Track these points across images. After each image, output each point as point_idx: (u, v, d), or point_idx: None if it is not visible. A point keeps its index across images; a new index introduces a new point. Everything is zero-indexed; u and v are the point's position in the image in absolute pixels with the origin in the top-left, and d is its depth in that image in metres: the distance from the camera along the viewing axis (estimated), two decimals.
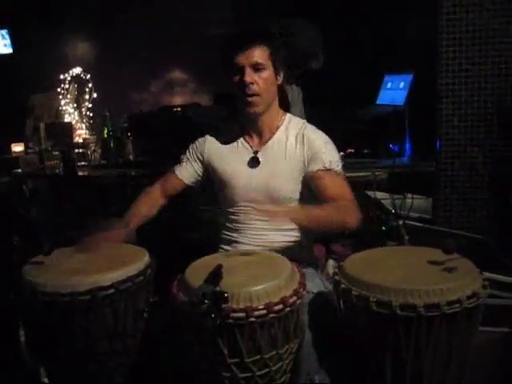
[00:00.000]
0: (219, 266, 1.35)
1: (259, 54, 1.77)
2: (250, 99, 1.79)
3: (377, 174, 3.02)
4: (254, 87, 1.77)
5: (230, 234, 1.93)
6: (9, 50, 5.71)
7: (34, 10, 5.32)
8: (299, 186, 1.87)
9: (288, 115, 1.94)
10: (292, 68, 2.89)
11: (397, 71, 4.04)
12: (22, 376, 1.89)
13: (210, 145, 1.97)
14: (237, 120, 1.95)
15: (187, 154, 2.02)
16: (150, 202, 2.00)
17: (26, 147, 4.21)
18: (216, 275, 1.31)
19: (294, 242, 1.87)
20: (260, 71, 1.78)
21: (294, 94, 2.99)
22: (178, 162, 2.03)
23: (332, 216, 1.71)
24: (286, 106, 2.02)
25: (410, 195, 2.76)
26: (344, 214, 1.71)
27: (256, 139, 1.91)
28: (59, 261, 1.70)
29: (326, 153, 1.83)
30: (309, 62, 2.90)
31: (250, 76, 1.76)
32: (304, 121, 1.95)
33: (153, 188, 2.03)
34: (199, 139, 2.01)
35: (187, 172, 2.00)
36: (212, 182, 2.00)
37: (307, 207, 1.78)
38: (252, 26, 1.84)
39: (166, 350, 1.56)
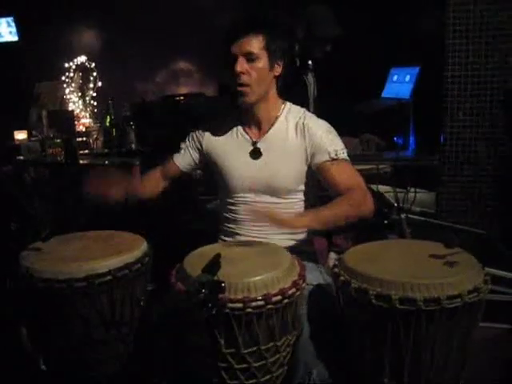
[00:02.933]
0: (217, 256, 1.34)
1: (253, 44, 1.74)
2: (239, 89, 1.76)
3: (380, 167, 3.00)
4: (244, 77, 1.74)
5: (229, 224, 1.92)
6: (14, 38, 5.72)
7: None
8: (302, 177, 1.85)
9: (288, 104, 1.91)
10: (310, 53, 2.90)
11: (403, 64, 4.01)
12: (21, 362, 1.89)
13: (209, 134, 1.96)
14: (237, 111, 1.93)
15: (186, 141, 2.02)
16: (152, 182, 2.05)
17: (30, 135, 4.21)
18: (214, 265, 1.29)
19: (294, 233, 1.86)
20: (253, 61, 1.75)
21: (311, 87, 3.00)
22: (177, 150, 2.03)
23: (347, 211, 1.67)
24: (304, 101, 2.01)
25: (413, 189, 2.74)
26: (358, 205, 1.69)
27: (255, 130, 1.89)
28: (57, 247, 1.70)
29: (330, 143, 1.80)
30: (326, 45, 2.91)
31: (241, 66, 1.73)
32: (304, 110, 1.92)
33: (153, 171, 2.07)
34: (199, 128, 2.00)
35: (183, 159, 2.01)
36: (212, 172, 1.99)
37: (318, 211, 1.69)
38: (249, 14, 1.80)
39: (162, 339, 1.55)
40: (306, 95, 2.95)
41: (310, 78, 3.06)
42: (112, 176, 1.96)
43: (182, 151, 2.02)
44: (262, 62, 1.76)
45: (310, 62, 3.00)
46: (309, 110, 1.99)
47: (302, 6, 2.97)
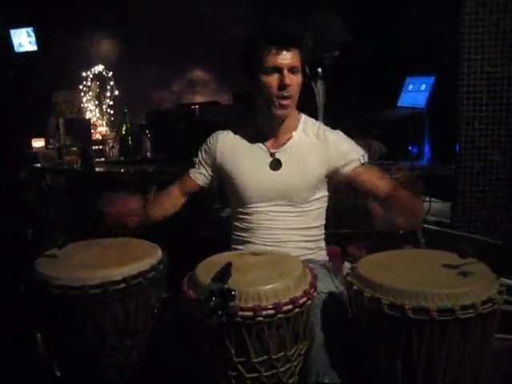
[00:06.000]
0: (228, 264, 1.34)
1: (296, 57, 1.76)
2: (283, 102, 1.78)
3: (394, 176, 2.98)
4: (291, 89, 1.77)
5: (241, 233, 1.92)
6: (34, 48, 5.81)
7: (59, 8, 5.40)
8: (319, 186, 1.87)
9: (303, 115, 1.93)
10: (319, 59, 2.92)
11: (418, 73, 3.99)
12: (36, 368, 1.90)
13: (222, 143, 1.96)
14: (252, 120, 1.94)
15: (199, 156, 2.01)
16: (169, 202, 2.04)
17: (47, 143, 4.27)
18: (224, 273, 1.30)
19: (307, 241, 1.85)
20: (294, 74, 1.77)
21: (319, 95, 3.01)
22: (192, 164, 2.03)
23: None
24: (313, 109, 2.02)
25: (427, 198, 2.72)
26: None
27: (272, 140, 1.90)
28: (72, 254, 1.71)
29: (354, 149, 1.87)
30: (334, 50, 2.93)
31: (289, 78, 1.75)
32: (319, 122, 1.94)
33: (171, 189, 2.05)
34: (210, 139, 2.00)
35: (201, 175, 2.01)
36: (223, 181, 1.99)
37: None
38: (286, 25, 1.80)
39: (174, 347, 1.56)
40: (314, 100, 2.96)
41: (319, 86, 3.07)
42: (128, 201, 1.94)
43: (197, 166, 2.01)
44: (300, 75, 1.80)
45: (319, 70, 3.02)
46: (317, 118, 2.01)
47: (310, 12, 2.99)
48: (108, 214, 1.88)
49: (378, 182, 1.86)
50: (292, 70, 1.76)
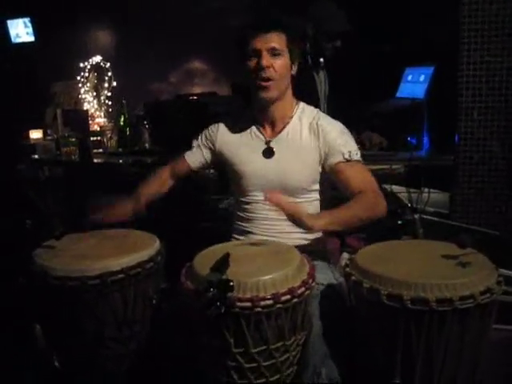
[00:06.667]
0: (226, 255, 1.34)
1: (277, 40, 1.77)
2: (264, 83, 1.77)
3: (394, 167, 2.98)
4: (270, 71, 1.76)
5: (242, 223, 1.92)
6: (31, 38, 5.78)
7: None
8: (315, 177, 1.85)
9: (301, 104, 1.92)
10: (321, 49, 2.91)
11: (418, 64, 3.98)
12: (35, 359, 1.91)
13: (222, 133, 1.96)
14: (251, 109, 1.94)
15: (199, 139, 2.02)
16: (159, 181, 2.04)
17: (45, 134, 4.26)
18: (223, 263, 1.29)
19: (307, 232, 1.85)
20: (276, 57, 1.77)
21: (322, 85, 3.00)
22: (190, 148, 2.04)
23: (361, 213, 1.67)
24: (314, 99, 2.01)
25: (426, 189, 2.72)
26: (371, 208, 1.69)
27: (269, 129, 1.90)
28: (70, 245, 1.71)
29: (344, 144, 1.81)
30: (336, 40, 2.92)
31: (266, 60, 1.75)
32: (317, 110, 1.93)
33: (163, 169, 2.06)
34: (212, 127, 2.00)
35: (195, 157, 2.01)
36: (224, 171, 1.99)
37: (332, 213, 1.67)
38: (271, 12, 1.83)
39: (173, 338, 1.56)
40: (315, 90, 2.95)
41: (322, 76, 3.06)
42: (115, 201, 1.93)
43: (194, 149, 2.02)
44: (284, 59, 1.79)
45: (321, 60, 3.01)
46: (319, 108, 1.99)
47: (310, 2, 2.98)
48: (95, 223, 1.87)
49: (354, 182, 1.76)
50: (273, 52, 1.76)
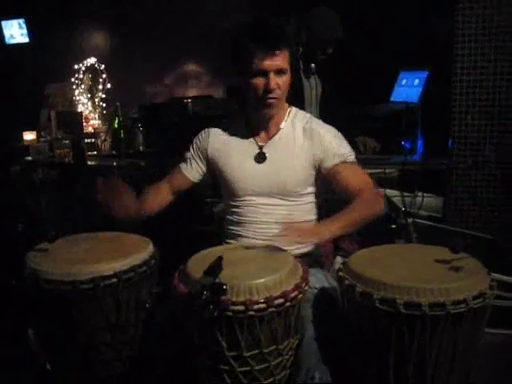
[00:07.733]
0: (219, 258, 1.34)
1: (282, 59, 1.73)
2: (270, 101, 1.76)
3: (387, 171, 2.98)
4: (277, 92, 1.75)
5: (233, 227, 1.91)
6: (25, 40, 5.76)
7: (51, 0, 5.36)
8: (310, 180, 1.85)
9: (293, 109, 1.92)
10: (313, 55, 2.92)
11: (412, 68, 3.99)
12: (27, 362, 1.90)
13: (213, 138, 1.94)
14: (244, 114, 1.93)
15: (191, 151, 1.98)
16: (158, 198, 1.98)
17: (38, 136, 4.24)
18: (216, 267, 1.29)
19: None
20: (281, 75, 1.75)
21: (313, 90, 3.01)
22: (184, 159, 1.99)
23: (363, 212, 1.70)
24: (300, 100, 2.00)
25: (420, 193, 2.72)
26: (372, 205, 1.74)
27: (262, 134, 1.89)
28: (63, 249, 1.70)
29: (338, 146, 1.82)
30: (328, 47, 2.93)
31: (275, 82, 1.73)
32: (310, 115, 1.93)
33: (161, 185, 1.99)
34: (201, 133, 1.97)
35: (193, 170, 1.97)
36: (216, 176, 1.98)
37: (338, 217, 1.67)
38: (274, 27, 1.77)
39: (166, 342, 1.55)
40: (301, 92, 2.95)
41: (313, 81, 3.07)
42: (123, 190, 1.85)
43: (189, 162, 1.97)
44: (288, 75, 1.78)
45: (313, 65, 3.01)
46: (306, 111, 2.00)
47: (305, 8, 2.98)
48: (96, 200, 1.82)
49: (352, 182, 1.78)
50: (279, 71, 1.74)
